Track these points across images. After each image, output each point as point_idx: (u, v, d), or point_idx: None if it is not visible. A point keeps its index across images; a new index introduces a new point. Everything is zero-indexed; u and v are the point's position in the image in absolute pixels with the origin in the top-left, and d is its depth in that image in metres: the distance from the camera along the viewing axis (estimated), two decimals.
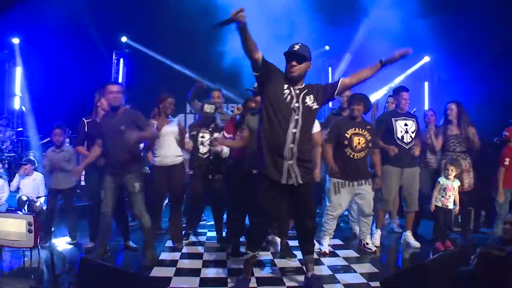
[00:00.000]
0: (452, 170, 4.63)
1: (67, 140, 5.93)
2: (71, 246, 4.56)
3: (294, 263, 4.07)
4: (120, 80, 8.49)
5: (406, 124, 4.69)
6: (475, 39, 7.53)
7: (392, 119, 4.72)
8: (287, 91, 3.14)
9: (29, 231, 3.91)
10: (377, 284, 3.49)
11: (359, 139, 4.34)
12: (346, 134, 4.34)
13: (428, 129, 5.07)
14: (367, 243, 4.53)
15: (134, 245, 4.50)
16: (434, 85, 9.34)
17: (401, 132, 4.69)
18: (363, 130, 4.36)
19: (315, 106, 3.17)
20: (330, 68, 9.87)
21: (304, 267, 3.56)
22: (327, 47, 9.66)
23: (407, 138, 4.67)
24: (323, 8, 8.67)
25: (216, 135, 4.55)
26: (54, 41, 7.44)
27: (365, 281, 3.63)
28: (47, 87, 7.57)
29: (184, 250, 4.48)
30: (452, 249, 3.97)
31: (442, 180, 4.65)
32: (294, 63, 3.10)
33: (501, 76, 6.80)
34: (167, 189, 4.62)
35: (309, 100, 3.16)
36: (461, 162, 4.81)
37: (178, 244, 4.53)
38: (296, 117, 3.10)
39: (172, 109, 4.71)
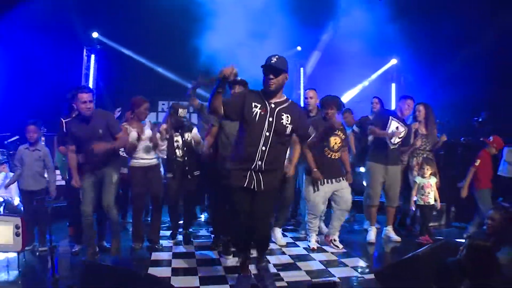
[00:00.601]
0: (427, 169, 4.93)
1: (43, 138, 5.68)
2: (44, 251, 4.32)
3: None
4: (91, 77, 8.23)
5: (397, 128, 4.91)
6: (442, 42, 7.95)
7: (390, 117, 4.95)
8: (258, 110, 3.11)
9: (17, 234, 3.76)
10: (370, 276, 3.68)
11: (335, 139, 4.51)
12: None
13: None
14: (334, 240, 4.63)
15: (108, 245, 4.38)
16: (401, 87, 9.80)
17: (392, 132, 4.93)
18: (338, 131, 4.52)
19: (288, 126, 3.14)
20: (302, 69, 10.06)
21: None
22: (299, 48, 9.85)
23: (395, 139, 4.90)
24: (297, 9, 8.83)
25: (187, 135, 4.63)
26: (23, 35, 7.08)
27: (358, 274, 3.79)
28: (16, 83, 7.19)
29: (175, 249, 4.46)
30: (440, 240, 4.21)
31: (418, 179, 4.94)
32: (271, 76, 3.08)
33: (466, 78, 7.23)
34: (147, 189, 4.59)
35: (285, 119, 3.14)
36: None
37: (156, 243, 4.52)
38: (268, 134, 3.10)
39: (147, 114, 4.68)
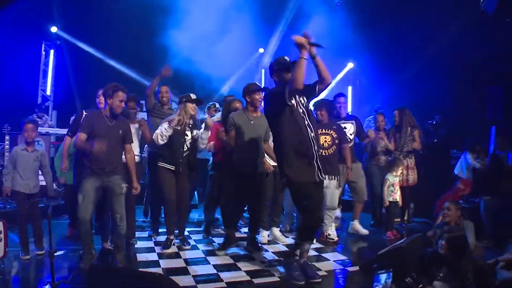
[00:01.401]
0: (398, 168, 5.34)
1: (7, 138, 5.37)
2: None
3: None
4: (49, 73, 7.83)
5: (345, 127, 5.25)
6: (398, 46, 8.51)
7: (337, 123, 5.17)
8: (296, 102, 3.49)
9: None
10: (354, 268, 3.95)
11: (325, 138, 4.80)
12: None
13: (378, 133, 5.73)
14: (329, 234, 4.96)
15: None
16: (357, 89, 10.35)
17: None
18: (329, 130, 4.85)
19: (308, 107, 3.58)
20: (263, 70, 10.27)
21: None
22: (261, 50, 10.06)
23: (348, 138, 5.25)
24: (260, 11, 9.02)
25: (195, 132, 4.60)
26: None
27: (343, 267, 4.04)
28: None
29: (158, 250, 4.44)
30: (419, 234, 4.59)
31: (391, 177, 5.31)
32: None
33: (421, 83, 7.83)
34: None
35: (305, 103, 3.57)
36: (404, 160, 5.56)
37: (130, 238, 4.56)
38: (306, 122, 3.51)
39: (136, 111, 4.68)
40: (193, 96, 4.56)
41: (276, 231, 4.97)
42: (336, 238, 4.94)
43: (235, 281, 3.54)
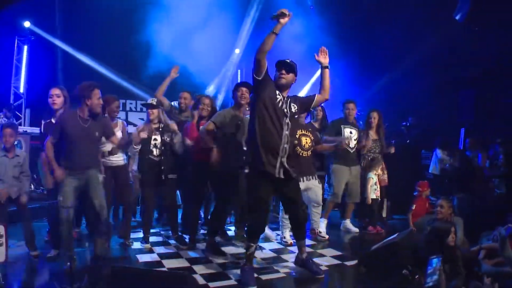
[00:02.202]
0: (379, 167, 5.64)
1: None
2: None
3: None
4: (23, 70, 7.50)
5: (351, 132, 5.48)
6: (371, 50, 8.88)
7: (342, 126, 5.48)
8: (279, 97, 3.54)
9: None
10: (352, 263, 4.15)
11: (306, 139, 4.87)
12: (296, 135, 4.81)
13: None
14: (320, 232, 5.12)
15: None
16: (330, 92, 10.63)
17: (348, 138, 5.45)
18: (307, 131, 4.92)
19: (296, 114, 3.68)
20: (239, 71, 10.35)
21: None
22: (237, 51, 10.13)
23: (352, 143, 5.45)
24: (238, 12, 9.12)
25: (166, 136, 4.59)
26: None
27: (340, 261, 4.23)
28: None
29: (159, 250, 4.43)
30: (409, 229, 4.86)
31: (374, 176, 5.59)
32: (283, 71, 3.52)
33: (395, 86, 8.25)
34: (114, 189, 4.56)
35: (293, 108, 3.61)
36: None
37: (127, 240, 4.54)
38: (287, 120, 3.54)
39: (118, 112, 4.65)
40: (149, 100, 4.64)
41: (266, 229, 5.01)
42: (327, 236, 5.10)
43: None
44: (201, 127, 4.46)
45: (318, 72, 10.36)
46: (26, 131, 6.44)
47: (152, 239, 4.76)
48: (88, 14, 7.54)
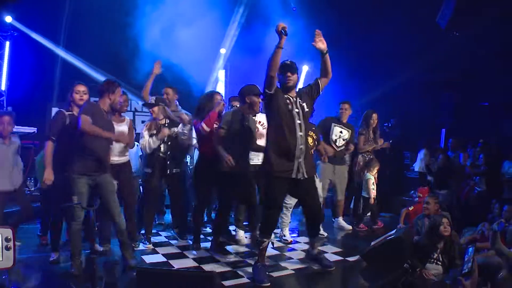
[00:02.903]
0: (375, 167, 5.88)
1: None
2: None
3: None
4: (4, 67, 7.21)
5: (341, 132, 5.63)
6: (353, 51, 9.08)
7: (333, 123, 5.63)
8: (288, 100, 3.67)
9: (7, 248, 3.33)
10: (354, 258, 4.32)
11: (308, 139, 5.06)
12: None
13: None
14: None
15: (101, 248, 4.24)
16: None
17: (335, 136, 5.64)
18: (310, 132, 4.98)
19: (308, 110, 3.78)
20: (224, 70, 10.35)
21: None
22: (222, 50, 10.12)
23: (339, 142, 5.63)
24: (223, 13, 9.13)
25: (174, 129, 4.62)
26: None
27: (342, 257, 4.39)
28: None
29: (163, 251, 4.43)
30: (406, 226, 5.09)
31: (371, 177, 5.79)
32: (289, 74, 3.66)
33: (379, 86, 8.52)
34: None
35: (305, 106, 3.73)
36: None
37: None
38: (299, 121, 3.66)
39: (127, 106, 4.63)
40: (150, 100, 4.67)
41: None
42: (325, 234, 5.22)
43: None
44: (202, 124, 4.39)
45: (303, 73, 10.64)
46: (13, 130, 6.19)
47: (152, 239, 4.75)
48: (74, 11, 7.35)
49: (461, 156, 6.63)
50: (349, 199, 6.27)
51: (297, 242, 5.00)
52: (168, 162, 4.58)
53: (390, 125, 7.95)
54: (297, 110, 3.66)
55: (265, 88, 3.60)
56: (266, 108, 3.82)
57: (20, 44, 7.41)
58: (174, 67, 7.74)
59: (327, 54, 3.71)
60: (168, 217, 5.65)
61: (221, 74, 10.28)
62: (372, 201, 5.76)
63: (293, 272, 3.90)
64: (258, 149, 4.53)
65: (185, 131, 4.69)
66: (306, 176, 3.69)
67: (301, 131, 3.64)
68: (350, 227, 5.71)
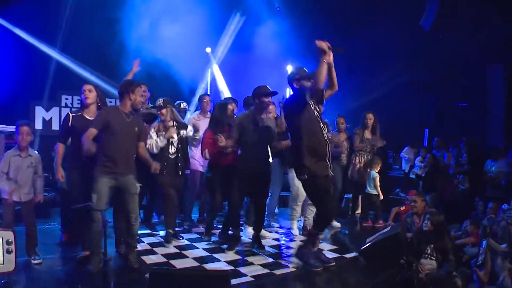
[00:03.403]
0: (379, 165, 6.08)
1: None
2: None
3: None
4: None
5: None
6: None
7: None
8: (313, 106, 3.87)
9: (8, 251, 3.27)
10: (351, 255, 4.44)
11: None
12: None
13: (340, 134, 6.30)
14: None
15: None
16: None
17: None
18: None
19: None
20: (209, 70, 10.29)
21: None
22: (208, 49, 10.07)
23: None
24: (209, 13, 9.11)
25: (182, 132, 4.65)
26: None
27: (339, 254, 4.49)
28: None
29: (161, 251, 4.39)
30: (400, 223, 5.22)
31: (377, 174, 5.99)
32: (313, 81, 3.81)
33: (364, 86, 8.69)
34: None
35: (319, 110, 3.95)
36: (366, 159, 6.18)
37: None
38: (321, 124, 3.92)
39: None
40: (157, 102, 4.61)
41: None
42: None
43: (256, 275, 3.75)
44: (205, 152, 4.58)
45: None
46: None
47: (145, 239, 4.77)
48: (59, 7, 7.16)
49: (445, 155, 6.88)
50: (340, 199, 6.41)
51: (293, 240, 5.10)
52: (179, 164, 4.60)
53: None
54: (316, 113, 3.87)
55: (309, 99, 3.78)
56: (294, 115, 3.89)
57: (2, 40, 7.15)
58: (160, 63, 7.71)
59: (332, 67, 3.78)
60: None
61: (216, 70, 10.21)
62: (381, 197, 5.96)
63: (295, 270, 3.97)
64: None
65: (196, 136, 4.77)
66: (333, 173, 4.06)
67: (325, 132, 3.92)
68: (339, 224, 5.79)
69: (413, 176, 6.97)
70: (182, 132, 4.68)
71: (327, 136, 3.97)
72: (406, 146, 7.27)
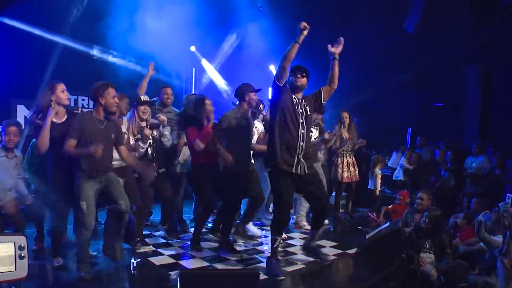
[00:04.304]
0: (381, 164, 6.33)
1: None
2: None
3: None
4: None
5: (311, 131, 5.77)
6: (321, 51, 9.43)
7: None
8: (295, 100, 3.84)
9: (21, 256, 3.15)
10: (352, 251, 4.58)
11: None
12: None
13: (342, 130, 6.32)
14: (304, 225, 5.48)
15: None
16: None
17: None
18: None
19: (310, 114, 3.93)
20: (194, 69, 10.21)
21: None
22: (192, 48, 9.98)
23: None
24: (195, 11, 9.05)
25: (155, 132, 4.58)
26: None
27: (341, 251, 4.63)
28: None
29: (167, 252, 4.39)
30: (399, 219, 5.40)
31: (380, 172, 6.23)
32: (299, 75, 3.84)
33: (349, 86, 8.86)
34: None
35: (308, 108, 3.90)
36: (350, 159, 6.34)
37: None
38: (301, 120, 3.82)
39: (128, 109, 4.51)
40: (143, 97, 4.52)
41: (250, 225, 5.16)
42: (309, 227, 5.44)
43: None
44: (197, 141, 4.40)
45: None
46: None
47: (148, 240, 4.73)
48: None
49: (437, 153, 7.17)
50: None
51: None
52: (154, 165, 4.46)
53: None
54: (301, 110, 3.82)
55: (276, 79, 3.75)
56: (272, 101, 3.95)
57: None
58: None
59: (337, 60, 3.91)
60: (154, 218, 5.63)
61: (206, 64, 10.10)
62: (377, 193, 6.25)
63: (304, 266, 4.08)
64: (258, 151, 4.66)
65: (167, 134, 4.66)
66: (306, 172, 3.83)
67: (303, 129, 3.80)
68: (327, 221, 5.88)
69: (401, 178, 7.16)
70: (155, 132, 4.58)
71: (305, 133, 3.83)
72: (393, 151, 7.51)
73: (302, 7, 9.27)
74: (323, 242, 4.92)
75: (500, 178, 6.02)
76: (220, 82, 10.07)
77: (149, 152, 4.45)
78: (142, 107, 4.41)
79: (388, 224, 4.78)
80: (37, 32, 7.22)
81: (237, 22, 9.84)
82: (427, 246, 4.37)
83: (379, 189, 6.26)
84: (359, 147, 6.70)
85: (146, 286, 3.44)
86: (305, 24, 3.64)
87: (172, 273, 3.68)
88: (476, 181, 6.44)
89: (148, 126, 4.42)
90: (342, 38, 3.89)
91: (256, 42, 9.67)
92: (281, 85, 3.75)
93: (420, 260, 4.20)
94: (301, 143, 3.79)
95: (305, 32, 3.64)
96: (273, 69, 10.88)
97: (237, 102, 4.51)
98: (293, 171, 3.77)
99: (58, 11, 7.19)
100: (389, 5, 8.10)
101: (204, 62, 10.03)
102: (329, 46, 3.88)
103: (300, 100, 3.86)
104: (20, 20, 7.06)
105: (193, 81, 10.14)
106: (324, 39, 9.31)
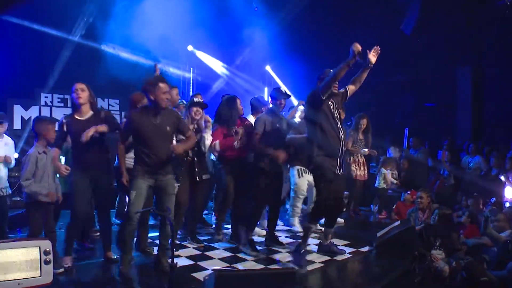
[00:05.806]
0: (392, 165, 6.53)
1: None
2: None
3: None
4: None
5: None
6: (317, 50, 9.55)
7: None
8: (331, 105, 4.02)
9: (46, 262, 3.09)
10: (366, 249, 4.68)
11: None
12: None
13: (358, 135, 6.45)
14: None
15: (115, 256, 4.06)
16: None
17: None
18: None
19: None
20: (192, 69, 10.16)
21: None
22: (190, 47, 9.93)
23: None
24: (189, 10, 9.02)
25: (199, 135, 4.51)
26: None
27: (354, 249, 4.72)
28: None
29: (184, 254, 4.36)
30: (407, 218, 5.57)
31: (385, 171, 6.44)
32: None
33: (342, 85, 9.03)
34: None
35: (341, 110, 4.13)
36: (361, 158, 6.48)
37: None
38: (339, 125, 4.02)
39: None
40: (196, 99, 4.59)
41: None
42: (322, 229, 5.46)
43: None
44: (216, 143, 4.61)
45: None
46: None
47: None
48: None
49: (439, 153, 7.35)
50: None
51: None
52: (196, 169, 4.46)
53: (350, 124, 8.50)
54: (337, 115, 4.01)
55: (321, 94, 3.88)
56: (312, 112, 4.06)
57: None
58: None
59: (369, 69, 4.04)
60: None
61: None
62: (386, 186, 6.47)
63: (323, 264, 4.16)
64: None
65: (207, 138, 4.62)
66: (343, 172, 4.13)
67: (341, 134, 4.01)
68: (342, 220, 6.05)
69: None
70: (199, 135, 4.52)
71: (342, 138, 4.05)
72: (387, 149, 7.66)
73: (297, 10, 9.35)
74: (334, 241, 4.99)
75: (497, 177, 6.23)
76: (218, 67, 10.07)
77: (190, 154, 4.42)
78: (194, 108, 4.44)
79: (399, 222, 4.93)
80: (35, 26, 7.12)
81: (233, 22, 9.82)
82: (437, 244, 4.52)
83: (382, 186, 6.43)
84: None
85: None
86: (359, 48, 3.73)
87: (206, 273, 3.68)
88: (472, 180, 6.65)
89: (194, 130, 4.42)
90: (378, 47, 3.96)
91: (253, 42, 9.74)
92: (325, 98, 3.92)
93: (433, 257, 4.34)
94: (342, 147, 4.04)
95: (357, 56, 3.74)
96: (269, 69, 11.01)
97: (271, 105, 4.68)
98: (337, 172, 4.03)
99: (58, 11, 7.06)
100: (386, 7, 8.25)
101: (200, 54, 9.96)
102: (371, 56, 3.95)
103: (336, 105, 4.06)
104: (20, 19, 6.92)
105: (191, 80, 10.11)
106: (323, 40, 9.47)
